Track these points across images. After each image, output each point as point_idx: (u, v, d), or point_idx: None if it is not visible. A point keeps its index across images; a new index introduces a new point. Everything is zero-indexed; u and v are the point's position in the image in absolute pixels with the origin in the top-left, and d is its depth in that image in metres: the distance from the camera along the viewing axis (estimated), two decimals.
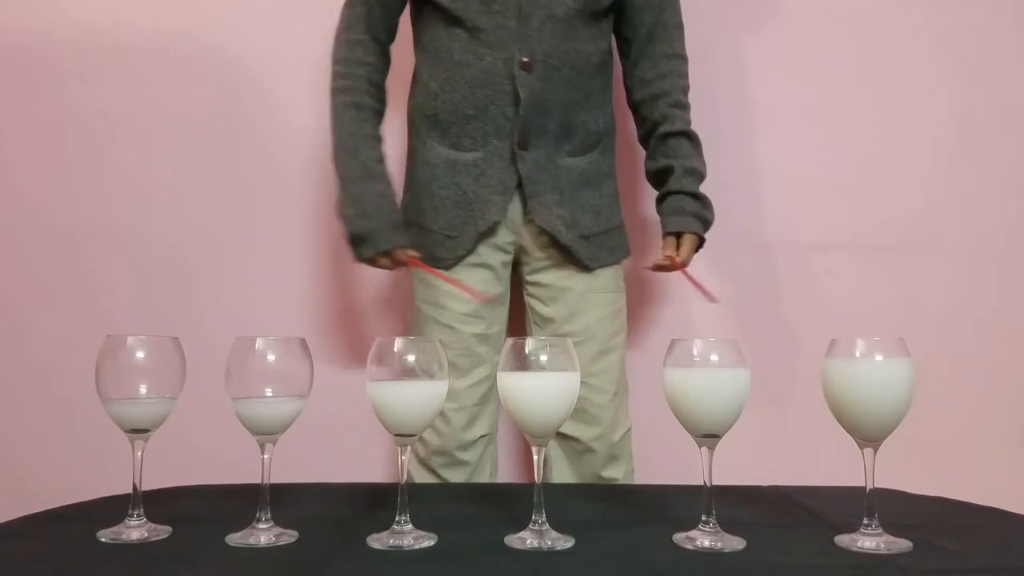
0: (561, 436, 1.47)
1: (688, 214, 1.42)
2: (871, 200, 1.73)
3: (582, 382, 1.43)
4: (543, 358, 0.86)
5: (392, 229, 1.37)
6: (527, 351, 0.86)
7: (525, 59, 1.36)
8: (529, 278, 1.50)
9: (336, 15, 1.45)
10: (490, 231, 1.42)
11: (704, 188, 1.45)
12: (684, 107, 1.49)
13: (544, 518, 0.87)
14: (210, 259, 1.76)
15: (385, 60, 1.47)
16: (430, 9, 1.41)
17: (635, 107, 1.54)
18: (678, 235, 1.43)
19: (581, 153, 1.46)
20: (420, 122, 1.46)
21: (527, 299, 1.52)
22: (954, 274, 1.72)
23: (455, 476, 1.44)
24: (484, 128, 1.40)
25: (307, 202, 1.77)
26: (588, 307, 1.46)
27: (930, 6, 1.75)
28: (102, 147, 1.78)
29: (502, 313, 1.50)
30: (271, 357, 0.88)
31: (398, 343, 0.88)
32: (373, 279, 1.75)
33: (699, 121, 1.49)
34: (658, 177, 1.49)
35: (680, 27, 1.52)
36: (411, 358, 0.88)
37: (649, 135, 1.51)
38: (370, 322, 1.75)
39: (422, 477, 1.45)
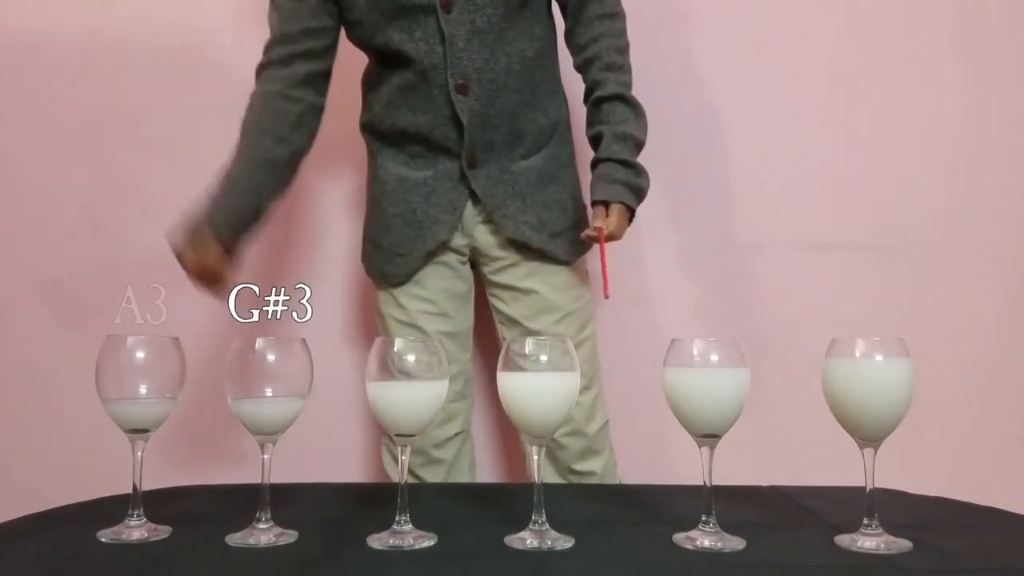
0: None
1: (617, 182, 1.30)
2: (871, 200, 1.73)
3: None
4: (543, 358, 0.86)
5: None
6: (527, 351, 0.86)
7: (460, 82, 1.32)
8: (491, 278, 1.46)
9: None
10: (439, 249, 1.41)
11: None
12: (618, 68, 1.36)
13: (544, 518, 0.87)
14: None
15: None
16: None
17: (579, 71, 1.42)
18: (607, 204, 1.31)
19: (536, 152, 1.41)
20: (371, 139, 1.46)
21: (490, 299, 1.49)
22: (955, 274, 1.72)
23: (432, 475, 1.44)
24: (431, 150, 1.38)
25: (307, 202, 1.76)
26: (552, 305, 1.42)
27: (934, 5, 1.75)
28: (102, 146, 1.78)
29: (468, 311, 1.49)
30: (271, 357, 0.88)
31: (398, 343, 0.88)
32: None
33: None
34: (595, 144, 1.37)
35: None
36: (411, 358, 0.88)
37: (586, 101, 1.40)
38: (370, 322, 1.75)
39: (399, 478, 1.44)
